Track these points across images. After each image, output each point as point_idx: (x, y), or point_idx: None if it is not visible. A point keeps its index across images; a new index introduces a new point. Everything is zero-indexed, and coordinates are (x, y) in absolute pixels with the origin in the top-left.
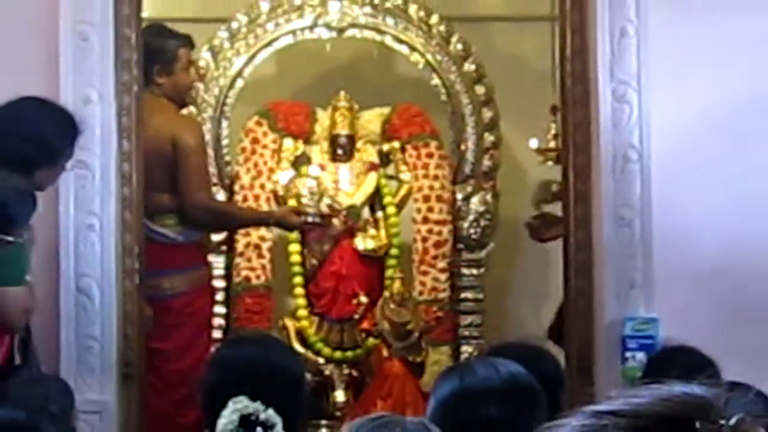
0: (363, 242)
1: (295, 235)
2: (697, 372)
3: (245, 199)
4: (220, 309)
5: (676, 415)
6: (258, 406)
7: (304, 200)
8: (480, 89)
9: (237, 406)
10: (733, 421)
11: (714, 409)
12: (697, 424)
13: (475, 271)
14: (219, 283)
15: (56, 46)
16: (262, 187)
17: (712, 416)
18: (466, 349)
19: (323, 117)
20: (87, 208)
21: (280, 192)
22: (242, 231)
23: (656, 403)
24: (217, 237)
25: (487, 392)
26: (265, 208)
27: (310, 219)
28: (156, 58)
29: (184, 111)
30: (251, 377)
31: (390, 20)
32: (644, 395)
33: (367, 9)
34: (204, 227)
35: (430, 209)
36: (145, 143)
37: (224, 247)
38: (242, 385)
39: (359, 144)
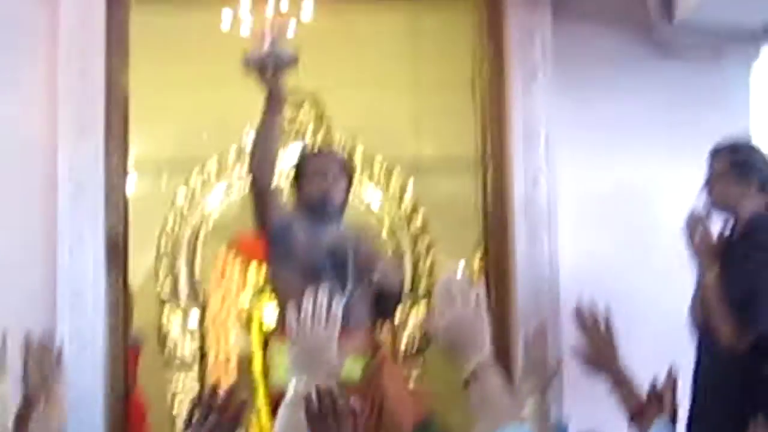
0: None
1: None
2: None
3: (215, 320)
4: None
5: None
6: None
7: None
8: (416, 221)
9: None
10: None
11: None
12: None
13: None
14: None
15: (54, 195)
16: (230, 308)
17: None
18: None
19: None
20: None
21: (246, 313)
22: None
23: None
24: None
25: None
26: (232, 329)
27: None
28: None
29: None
30: None
31: None
32: None
33: None
34: None
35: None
36: None
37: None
38: None
39: None
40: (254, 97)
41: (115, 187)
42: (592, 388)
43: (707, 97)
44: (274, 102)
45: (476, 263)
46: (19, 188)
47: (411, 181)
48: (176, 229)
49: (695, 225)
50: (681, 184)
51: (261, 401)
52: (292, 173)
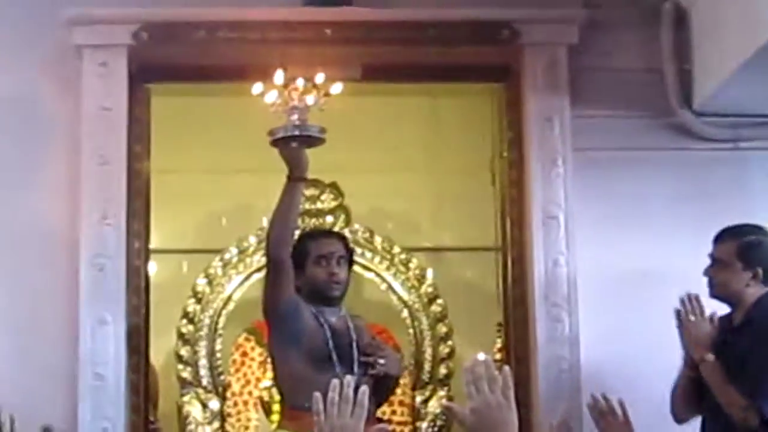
0: None
1: None
2: None
3: (235, 404)
4: None
5: None
6: None
7: None
8: (435, 308)
9: None
10: None
11: None
12: None
13: None
14: None
15: (77, 279)
16: (250, 393)
17: None
18: None
19: None
20: (102, 413)
21: (266, 398)
22: None
23: None
24: None
25: None
26: (252, 413)
27: None
28: None
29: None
30: None
31: (358, 251)
32: None
33: None
34: None
35: (393, 412)
36: None
37: None
38: None
39: None
40: (274, 183)
41: (137, 271)
42: None
43: (727, 180)
44: (296, 175)
45: (497, 348)
46: (42, 273)
47: (430, 270)
48: (197, 314)
49: (690, 310)
50: (700, 266)
51: None
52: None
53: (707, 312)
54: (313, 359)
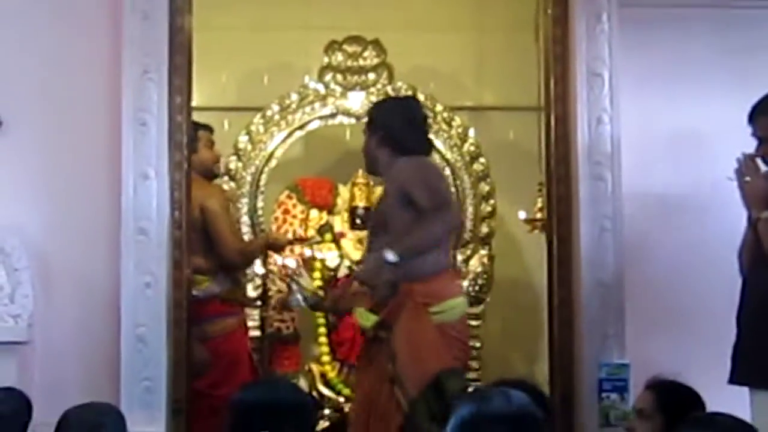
0: None
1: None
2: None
3: (276, 262)
4: (256, 356)
5: None
6: None
7: (328, 262)
8: (477, 166)
9: None
10: None
11: None
12: None
13: (474, 323)
14: (255, 333)
15: (119, 131)
16: (292, 251)
17: None
18: None
19: (344, 191)
20: (144, 268)
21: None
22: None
23: None
24: (253, 293)
25: (501, 417)
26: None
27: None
28: None
29: (223, 184)
30: (267, 414)
31: None
32: None
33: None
34: (241, 267)
35: None
36: None
37: (259, 302)
38: (260, 421)
39: None
40: (316, 41)
41: (179, 127)
42: (655, 332)
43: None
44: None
45: (537, 207)
46: (84, 128)
47: (472, 129)
48: (239, 171)
49: (746, 169)
50: (744, 125)
51: (322, 340)
52: None
53: (763, 169)
54: None
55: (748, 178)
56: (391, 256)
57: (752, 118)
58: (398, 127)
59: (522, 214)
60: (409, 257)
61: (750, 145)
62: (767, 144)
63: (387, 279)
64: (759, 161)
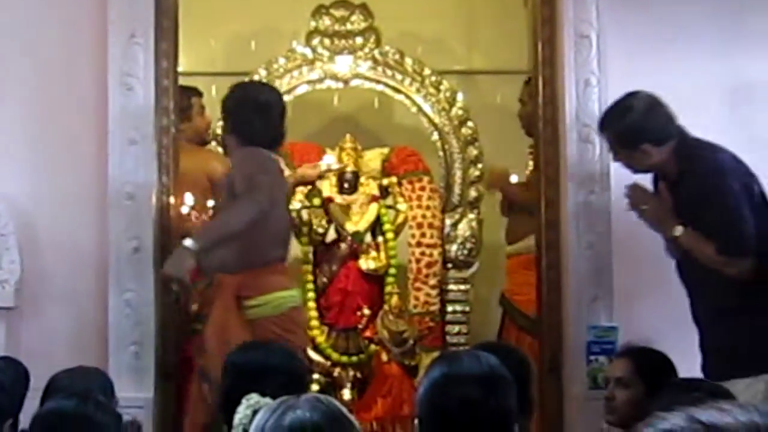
0: (366, 263)
1: (308, 257)
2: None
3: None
4: None
5: None
6: (267, 400)
7: (316, 227)
8: (466, 131)
9: (249, 402)
10: None
11: None
12: None
13: (462, 287)
14: None
15: (105, 95)
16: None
17: None
18: None
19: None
20: (132, 233)
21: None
22: None
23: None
24: None
25: (470, 377)
26: None
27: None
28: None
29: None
30: (259, 377)
31: (389, 72)
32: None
33: (369, 63)
34: None
35: (423, 234)
36: (184, 180)
37: None
38: (252, 384)
39: (362, 179)
40: (303, 6)
41: (165, 91)
42: (643, 295)
43: (757, 2)
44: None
45: (528, 170)
46: (69, 91)
47: (460, 93)
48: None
49: (637, 199)
50: (734, 87)
51: (310, 305)
52: None
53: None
54: None
55: (644, 207)
56: (189, 242)
57: (601, 128)
58: (244, 117)
59: (513, 178)
60: (208, 242)
61: (738, 119)
62: (619, 155)
63: (189, 267)
64: (643, 184)
